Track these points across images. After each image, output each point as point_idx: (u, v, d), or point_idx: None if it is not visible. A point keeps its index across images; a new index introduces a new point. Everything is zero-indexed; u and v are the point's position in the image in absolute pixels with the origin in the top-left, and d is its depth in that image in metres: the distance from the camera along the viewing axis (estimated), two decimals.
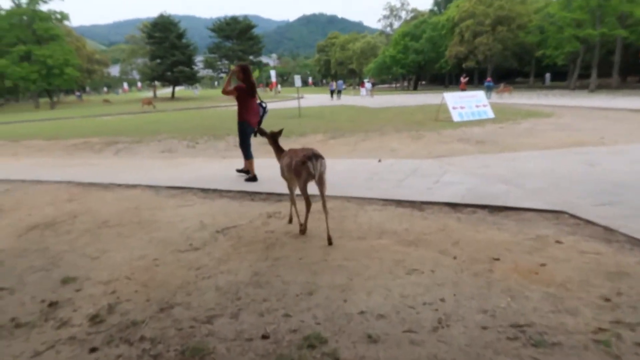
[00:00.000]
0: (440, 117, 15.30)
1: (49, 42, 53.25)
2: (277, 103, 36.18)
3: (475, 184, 6.05)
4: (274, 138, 5.12)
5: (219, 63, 64.71)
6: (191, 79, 63.33)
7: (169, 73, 58.21)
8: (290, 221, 4.81)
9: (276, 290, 3.19)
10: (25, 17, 53.31)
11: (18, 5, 53.43)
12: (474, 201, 5.23)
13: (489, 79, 31.35)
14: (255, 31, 65.81)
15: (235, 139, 12.06)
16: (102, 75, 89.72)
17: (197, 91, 79.02)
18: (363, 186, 6.17)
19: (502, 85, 37.68)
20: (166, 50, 57.08)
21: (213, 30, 63.23)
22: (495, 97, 29.23)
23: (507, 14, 49.62)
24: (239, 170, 7.60)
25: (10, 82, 54.78)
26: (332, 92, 40.94)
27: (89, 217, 5.39)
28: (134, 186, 6.96)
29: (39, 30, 52.74)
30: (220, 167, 8.57)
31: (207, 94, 69.88)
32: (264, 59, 75.42)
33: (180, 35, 59.24)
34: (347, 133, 12.39)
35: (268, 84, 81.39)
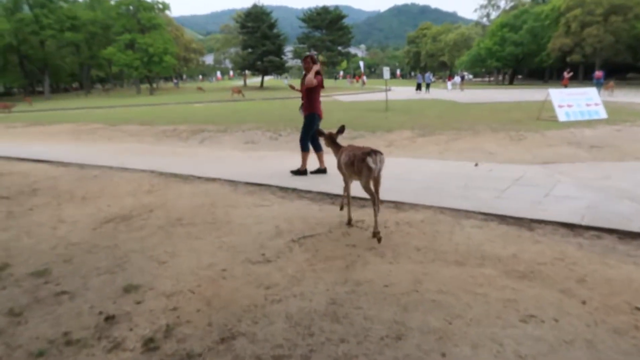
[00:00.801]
0: (543, 116, 13.85)
1: (151, 30, 56.44)
2: (363, 95, 35.55)
3: (596, 201, 5.09)
4: (332, 139, 5.10)
5: (307, 53, 64.95)
6: (280, 69, 64.38)
7: (259, 62, 59.54)
8: (342, 208, 4.93)
9: (356, 329, 2.65)
10: (131, 7, 56.86)
11: None
12: (598, 223, 4.33)
13: (599, 73, 28.26)
14: (345, 22, 65.25)
15: None
16: (197, 64, 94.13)
17: (286, 81, 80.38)
18: (458, 195, 5.43)
19: (610, 82, 34.09)
20: (257, 40, 58.35)
21: (303, 20, 63.57)
22: (604, 95, 26.44)
23: (623, 3, 44.75)
24: (313, 172, 7.11)
25: (117, 68, 59.03)
26: (419, 85, 39.43)
27: (164, 212, 5.19)
28: (213, 180, 6.74)
29: (143, 19, 56.08)
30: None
31: (295, 84, 70.68)
32: (352, 50, 74.81)
33: (272, 25, 60.26)
34: (437, 130, 11.52)
35: (355, 75, 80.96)
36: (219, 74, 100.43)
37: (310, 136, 7.01)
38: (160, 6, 59.83)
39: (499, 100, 24.62)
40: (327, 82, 65.40)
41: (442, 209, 4.95)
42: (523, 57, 60.35)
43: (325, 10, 62.32)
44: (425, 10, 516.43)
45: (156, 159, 8.86)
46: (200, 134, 12.80)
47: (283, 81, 78.12)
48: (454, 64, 76.24)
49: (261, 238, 4.24)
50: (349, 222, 4.57)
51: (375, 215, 4.06)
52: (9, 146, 12.10)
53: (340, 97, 33.44)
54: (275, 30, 60.75)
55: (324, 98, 28.70)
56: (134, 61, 54.19)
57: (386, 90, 20.76)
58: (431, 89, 39.35)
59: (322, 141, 5.78)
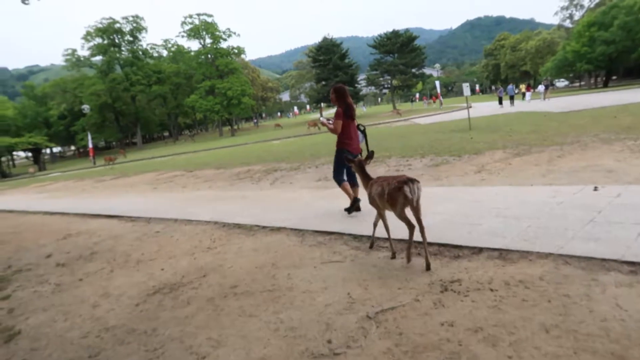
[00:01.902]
0: None
1: (229, 75, 59.02)
2: (442, 115, 33.94)
3: None
4: (361, 166, 4.95)
5: (380, 79, 64.46)
6: (354, 98, 64.17)
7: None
8: (371, 246, 4.77)
9: None
10: (209, 56, 60.02)
11: (204, 46, 60.43)
12: None
13: None
14: (418, 42, 64.08)
15: (398, 160, 10.66)
16: (274, 102, 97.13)
17: (364, 108, 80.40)
18: (584, 235, 4.14)
19: None
20: (330, 72, 58.82)
21: (374, 46, 63.29)
22: None
23: None
24: (346, 209, 6.36)
25: (200, 114, 62.21)
26: (500, 99, 36.96)
27: (218, 276, 4.44)
28: (278, 230, 5.95)
29: (220, 65, 58.88)
30: None
31: (372, 111, 70.23)
32: (426, 71, 73.20)
33: (343, 56, 60.60)
34: (534, 148, 10.02)
35: (431, 95, 78.89)
36: (295, 109, 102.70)
37: (344, 171, 6.46)
38: (236, 51, 62.62)
39: (599, 105, 22.04)
40: (404, 106, 64.36)
41: (566, 258, 3.71)
42: (617, 56, 55.10)
43: (395, 34, 61.66)
44: (500, 21, 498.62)
45: (223, 207, 8.31)
46: (273, 173, 12.27)
47: (362, 108, 78.10)
48: (538, 72, 71.68)
49: (328, 314, 3.30)
50: (393, 256, 4.41)
51: (425, 247, 3.96)
52: (89, 202, 12.33)
53: (418, 120, 32.14)
54: (347, 60, 61.02)
55: (402, 122, 27.77)
56: (214, 106, 56.77)
57: (467, 108, 19.25)
58: (515, 102, 36.74)
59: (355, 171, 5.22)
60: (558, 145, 9.82)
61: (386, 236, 4.73)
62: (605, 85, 60.66)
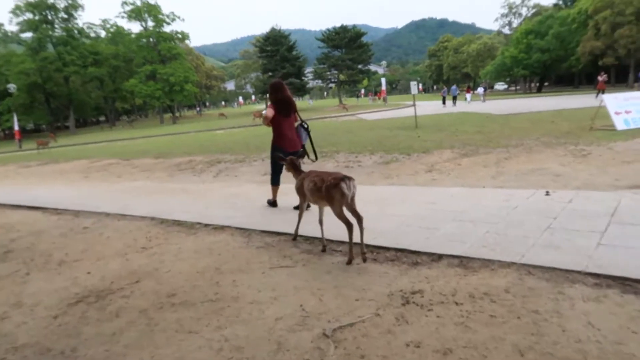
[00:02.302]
0: (597, 125, 12.27)
1: (171, 61, 56.79)
2: (387, 112, 34.25)
3: None
4: (292, 164, 5.02)
5: (327, 73, 64.36)
6: (301, 91, 63.86)
7: None
8: (295, 238, 4.85)
9: None
10: (151, 39, 57.44)
11: (145, 29, 57.75)
12: None
13: None
14: (364, 39, 64.47)
15: (347, 156, 10.41)
16: (219, 90, 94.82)
17: (311, 102, 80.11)
18: (544, 243, 4.01)
19: None
20: (277, 63, 58.04)
21: (322, 40, 63.03)
22: None
23: None
24: (296, 207, 5.98)
25: (140, 99, 59.48)
26: (444, 99, 37.90)
27: (153, 282, 3.95)
28: (222, 228, 5.49)
29: (163, 50, 56.55)
30: None
31: (318, 105, 70.07)
32: (372, 67, 73.93)
33: (291, 48, 59.95)
34: (481, 148, 10.10)
35: (376, 92, 79.78)
36: (240, 99, 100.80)
37: (278, 170, 6.41)
38: (180, 36, 60.37)
39: (536, 109, 22.94)
40: (350, 101, 64.67)
41: (529, 268, 3.54)
42: (551, 63, 58.17)
43: (344, 29, 61.70)
44: (443, 24, 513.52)
45: (162, 201, 7.71)
46: (217, 165, 11.68)
47: (308, 102, 77.79)
48: (478, 75, 74.34)
49: (279, 330, 2.93)
50: (295, 237, 4.81)
51: (361, 236, 3.97)
52: (10, 190, 11.21)
53: (363, 116, 32.25)
54: (294, 53, 60.41)
55: (348, 117, 27.71)
56: (155, 91, 54.50)
57: (414, 106, 19.39)
58: (457, 102, 37.77)
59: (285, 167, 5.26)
60: (504, 148, 9.95)
61: (341, 239, 4.44)
62: (539, 90, 63.92)
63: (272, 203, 6.46)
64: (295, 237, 4.83)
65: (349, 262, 4.01)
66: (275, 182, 6.44)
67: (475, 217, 4.91)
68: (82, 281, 4.14)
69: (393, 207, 5.72)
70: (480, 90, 44.24)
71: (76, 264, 4.65)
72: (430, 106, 36.94)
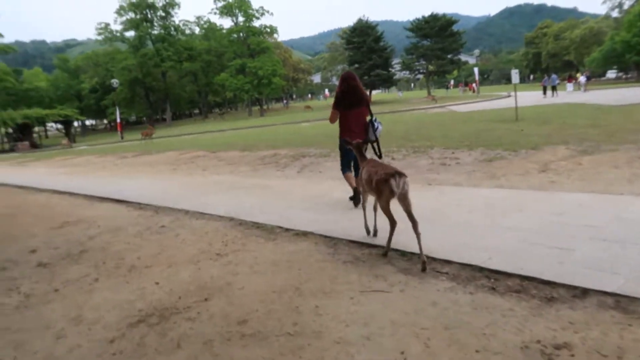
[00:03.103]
0: None
1: (260, 55, 57.94)
2: (480, 104, 32.14)
3: None
4: (358, 148, 4.82)
5: (416, 64, 62.32)
6: (388, 82, 62.51)
7: (366, 77, 58.13)
8: (375, 234, 4.54)
9: None
10: (241, 34, 58.97)
11: (236, 24, 59.39)
12: None
13: None
14: (454, 28, 61.50)
15: (442, 152, 9.40)
16: (306, 83, 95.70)
17: (400, 93, 78.40)
18: None
19: None
20: (364, 55, 57.09)
21: (411, 30, 61.01)
22: None
23: None
24: (351, 198, 6.00)
25: (230, 92, 61.46)
26: (544, 89, 34.81)
27: (224, 302, 3.38)
28: (305, 235, 4.85)
29: (252, 44, 57.81)
30: (432, 202, 5.97)
31: (405, 97, 68.30)
32: (463, 57, 70.45)
33: (378, 39, 58.67)
34: (602, 145, 8.62)
35: (467, 83, 76.07)
36: (326, 91, 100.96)
37: (348, 161, 6.00)
38: (268, 30, 61.41)
39: None
40: (438, 93, 62.10)
41: None
42: None
43: (434, 17, 59.27)
44: (540, 9, 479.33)
45: (243, 198, 7.27)
46: (301, 159, 11.17)
47: (398, 94, 76.18)
48: (582, 63, 68.17)
49: None
50: (375, 234, 4.53)
51: (419, 239, 3.69)
52: (103, 182, 11.52)
53: (454, 108, 30.49)
54: (381, 43, 59.05)
55: (438, 109, 26.30)
56: (244, 85, 55.87)
57: (515, 97, 17.61)
58: (558, 92, 34.57)
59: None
60: (633, 144, 8.40)
61: (447, 258, 3.62)
62: None
63: (354, 193, 5.88)
64: (374, 233, 4.53)
65: (385, 254, 3.99)
66: (346, 170, 6.02)
67: (622, 236, 3.82)
68: (149, 294, 3.68)
69: (507, 217, 4.73)
70: (582, 79, 40.32)
71: (146, 271, 4.24)
72: (529, 97, 34.09)
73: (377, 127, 5.68)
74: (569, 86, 38.64)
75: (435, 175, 7.77)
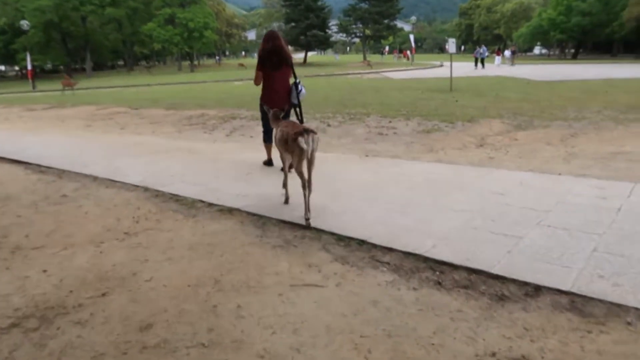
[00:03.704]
0: None
1: (191, 5, 54.53)
2: (414, 72, 32.36)
3: None
4: (275, 115, 4.70)
5: (353, 27, 61.61)
6: (324, 44, 61.54)
7: (302, 37, 56.76)
8: (286, 201, 4.40)
9: None
10: None
11: None
12: None
13: None
14: None
15: (378, 120, 9.06)
16: (239, 40, 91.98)
17: (337, 56, 77.26)
18: None
19: None
20: (301, 13, 55.50)
21: None
22: None
23: None
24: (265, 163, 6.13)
25: (158, 44, 57.58)
26: (476, 60, 35.65)
27: (126, 299, 2.79)
28: (230, 212, 4.29)
29: None
30: (371, 173, 5.58)
31: (341, 60, 67.60)
32: (398, 24, 70.53)
33: None
34: (535, 120, 8.68)
35: (401, 50, 76.49)
36: None
37: (270, 129, 5.59)
38: None
39: (580, 77, 21.01)
40: (374, 58, 61.98)
41: None
42: (591, 29, 54.49)
43: None
44: None
45: (163, 163, 6.53)
46: (231, 121, 10.43)
47: (335, 57, 75.07)
48: (511, 37, 70.56)
49: None
50: (286, 201, 4.40)
51: (307, 199, 3.83)
52: (3, 136, 10.16)
53: (390, 74, 30.43)
54: (319, 3, 57.58)
55: (374, 74, 26.05)
56: (173, 37, 52.60)
57: (450, 67, 17.62)
58: (485, 65, 35.55)
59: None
60: (563, 121, 8.52)
61: (390, 245, 3.24)
62: (574, 57, 60.51)
63: (268, 162, 6.10)
64: (286, 200, 4.42)
65: (307, 224, 3.82)
66: (268, 139, 5.90)
67: (569, 223, 3.63)
68: (32, 286, 3.00)
69: (449, 196, 4.44)
70: (507, 53, 41.82)
71: (34, 254, 3.52)
72: (461, 67, 34.53)
73: (301, 90, 5.50)
74: (497, 59, 39.78)
75: (373, 146, 7.42)
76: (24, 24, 37.23)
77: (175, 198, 4.77)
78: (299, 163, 3.80)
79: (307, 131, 3.77)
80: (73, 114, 14.22)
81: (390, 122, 9.10)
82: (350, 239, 3.52)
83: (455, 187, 4.73)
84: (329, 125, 9.14)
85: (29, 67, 36.00)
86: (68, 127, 11.57)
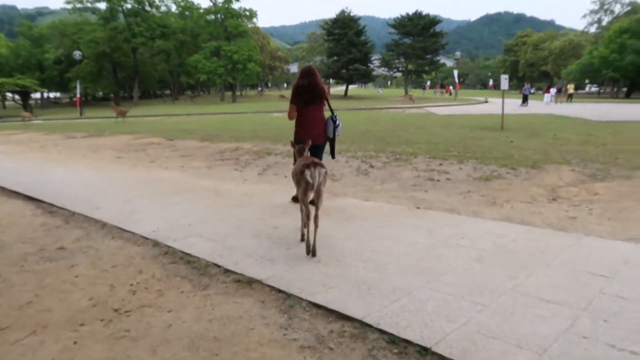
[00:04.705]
0: None
1: (237, 38, 55.71)
2: (459, 107, 31.25)
3: None
4: (300, 152, 4.49)
5: (395, 61, 61.23)
6: (365, 77, 61.30)
7: (344, 70, 56.79)
8: (302, 239, 4.16)
9: None
10: (219, 15, 56.56)
11: (214, 4, 56.89)
12: None
13: None
14: (436, 29, 60.60)
15: (427, 162, 8.07)
16: (282, 72, 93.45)
17: (380, 90, 77.11)
18: None
19: None
20: (343, 47, 55.63)
21: (394, 26, 59.73)
22: None
23: None
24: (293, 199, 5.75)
25: (203, 75, 58.93)
26: (525, 97, 34.17)
27: None
28: (251, 285, 3.37)
29: (230, 27, 55.50)
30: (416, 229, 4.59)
31: (385, 94, 67.27)
32: (441, 59, 69.83)
33: (359, 32, 57.28)
34: (611, 168, 7.50)
35: (443, 85, 75.43)
36: None
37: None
38: (247, 14, 59.12)
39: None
40: (415, 92, 61.20)
41: None
42: None
43: (418, 15, 58.20)
44: (519, 19, 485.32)
45: (182, 207, 5.75)
46: (265, 157, 9.70)
47: (378, 91, 74.86)
48: (559, 74, 68.53)
49: None
50: (303, 239, 4.14)
51: (314, 234, 3.83)
52: (29, 168, 9.76)
53: (433, 109, 29.44)
54: (362, 37, 57.70)
55: (415, 109, 25.15)
56: (218, 68, 53.62)
57: (502, 104, 16.51)
58: (529, 102, 34.06)
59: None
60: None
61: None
62: (627, 96, 57.79)
63: (296, 199, 5.41)
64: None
65: (312, 253, 3.85)
66: None
67: None
68: None
69: (533, 275, 3.39)
70: (552, 91, 40.22)
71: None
72: (506, 104, 33.33)
73: (338, 125, 5.43)
74: (546, 97, 38.22)
75: (423, 194, 6.42)
76: (77, 54, 38.62)
77: (187, 259, 3.91)
78: (304, 195, 3.83)
79: (314, 164, 3.80)
80: (108, 143, 13.91)
81: (440, 164, 8.12)
82: (408, 343, 2.54)
83: (538, 262, 3.67)
84: (371, 167, 8.23)
85: (78, 94, 37.13)
86: (98, 158, 11.12)
